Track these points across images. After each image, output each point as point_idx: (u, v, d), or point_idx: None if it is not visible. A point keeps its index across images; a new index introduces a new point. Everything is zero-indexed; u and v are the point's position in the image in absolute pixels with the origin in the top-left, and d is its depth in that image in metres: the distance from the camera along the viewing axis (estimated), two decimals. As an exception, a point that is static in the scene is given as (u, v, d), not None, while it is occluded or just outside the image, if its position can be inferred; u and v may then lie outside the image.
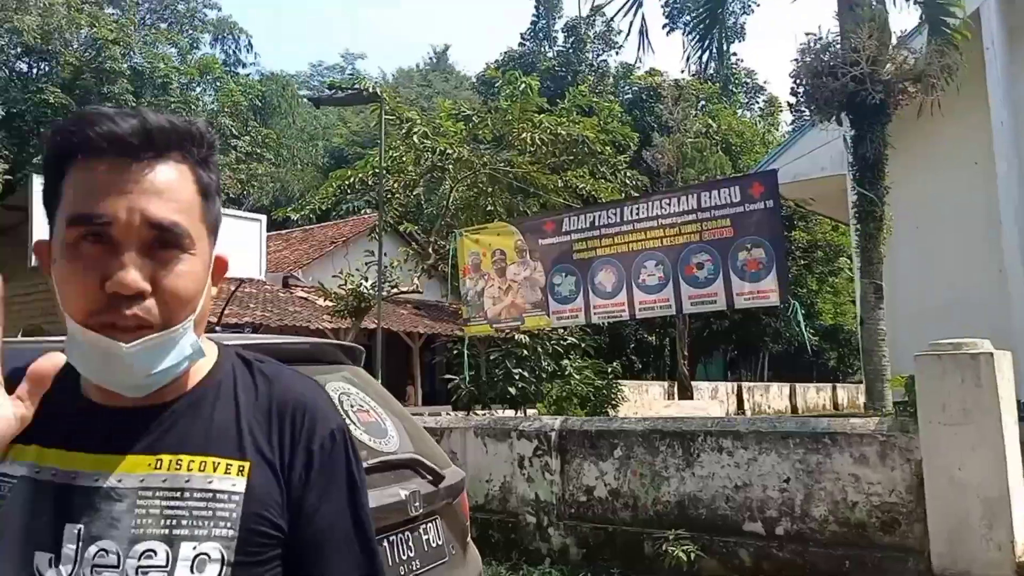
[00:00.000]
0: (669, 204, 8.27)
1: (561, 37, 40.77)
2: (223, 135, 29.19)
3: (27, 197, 15.67)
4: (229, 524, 1.04)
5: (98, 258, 1.00)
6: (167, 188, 1.03)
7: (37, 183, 15.43)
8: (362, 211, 22.52)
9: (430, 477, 3.16)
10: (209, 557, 1.02)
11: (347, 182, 17.77)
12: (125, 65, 29.34)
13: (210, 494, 1.05)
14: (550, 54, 39.99)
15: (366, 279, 13.64)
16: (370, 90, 14.55)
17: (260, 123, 35.20)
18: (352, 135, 40.37)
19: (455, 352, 12.71)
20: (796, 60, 8.25)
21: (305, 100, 38.11)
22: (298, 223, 21.13)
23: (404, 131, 16.35)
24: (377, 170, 15.28)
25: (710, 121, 29.00)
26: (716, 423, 6.36)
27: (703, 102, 33.13)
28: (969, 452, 4.80)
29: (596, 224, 8.56)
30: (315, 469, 1.11)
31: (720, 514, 5.92)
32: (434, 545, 3.10)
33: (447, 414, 10.04)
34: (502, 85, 18.05)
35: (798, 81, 8.31)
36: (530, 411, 12.54)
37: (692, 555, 5.74)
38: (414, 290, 15.92)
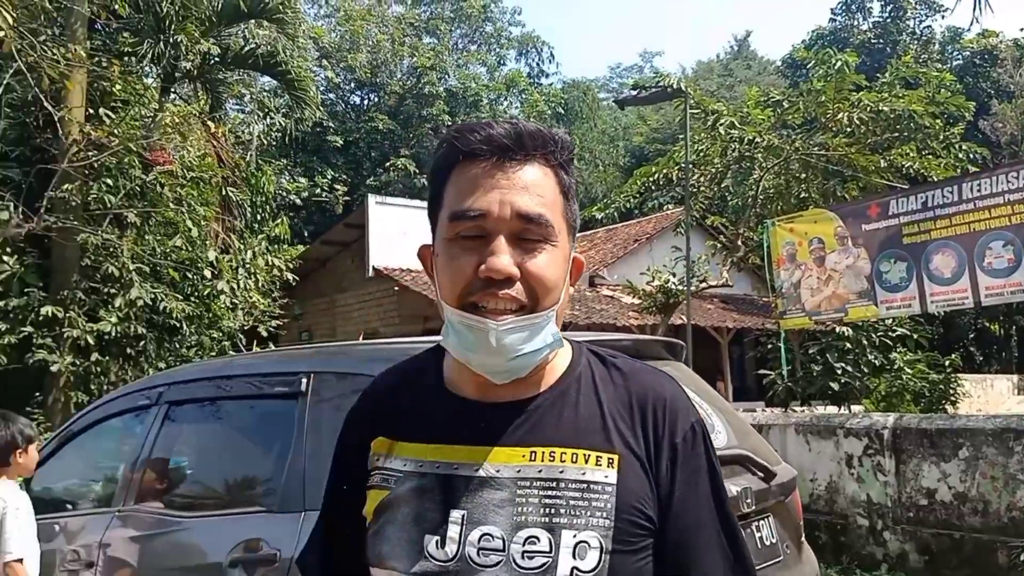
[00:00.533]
0: (1017, 177, 7.53)
1: (877, 7, 37.69)
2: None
3: (363, 215, 17.72)
4: (605, 514, 1.09)
5: (473, 247, 1.11)
6: (534, 184, 1.13)
7: (372, 203, 17.49)
8: (665, 207, 22.65)
9: (761, 474, 3.11)
10: (589, 545, 1.07)
11: (651, 179, 17.98)
12: (441, 88, 32.13)
13: (584, 485, 1.10)
14: (864, 27, 37.15)
15: (673, 275, 13.76)
16: (673, 86, 14.62)
17: (562, 128, 36.61)
18: (652, 133, 40.62)
19: (768, 347, 12.34)
20: None
21: (605, 103, 39.07)
22: (602, 223, 21.78)
23: (709, 123, 16.19)
24: (681, 164, 15.30)
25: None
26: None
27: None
28: None
29: (929, 204, 7.95)
30: (679, 462, 1.15)
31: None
32: (767, 543, 3.06)
33: (762, 411, 9.85)
34: (814, 65, 17.15)
35: None
36: (855, 408, 11.83)
37: (1058, 567, 5.16)
38: (723, 284, 15.72)
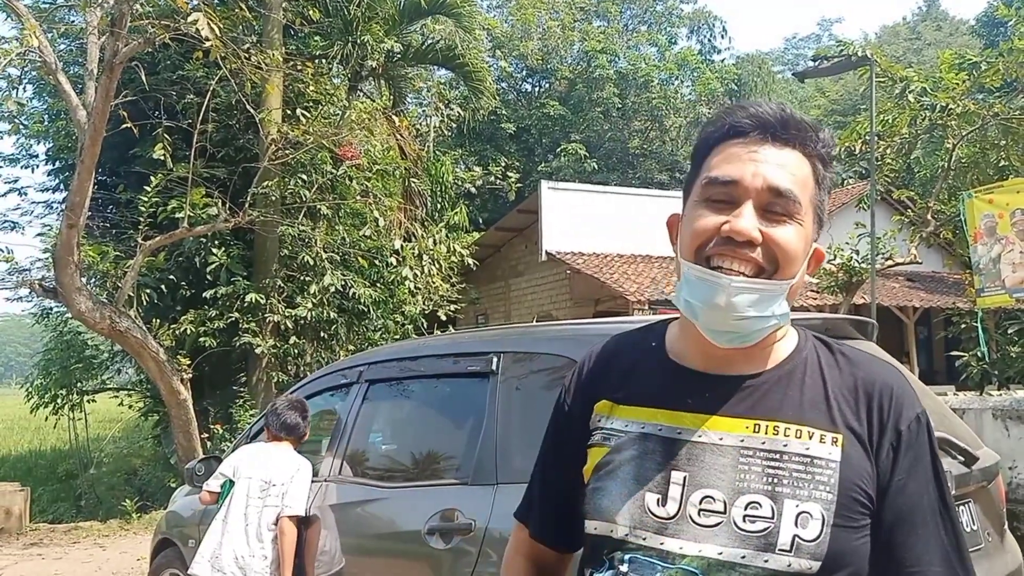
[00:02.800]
0: None
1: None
2: (700, 125, 30.05)
3: (536, 201, 17.93)
4: (828, 488, 1.11)
5: (720, 209, 1.15)
6: (788, 163, 1.17)
7: (545, 188, 17.68)
8: (847, 183, 21.49)
9: (961, 458, 2.99)
10: (811, 516, 1.09)
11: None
12: (612, 71, 31.88)
13: (807, 459, 1.12)
14: (1073, -24, 33.44)
15: (856, 252, 13.06)
16: (857, 54, 13.81)
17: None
18: (831, 105, 38.55)
19: (963, 327, 11.48)
20: None
21: (781, 76, 37.41)
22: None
23: (897, 91, 15.17)
24: (865, 137, 14.46)
25: None
26: None
27: None
28: None
29: None
30: (902, 449, 1.16)
31: None
32: (968, 530, 2.93)
33: (953, 394, 9.22)
34: (1016, 23, 15.66)
35: None
36: (1062, 392, 10.82)
37: None
38: (911, 261, 14.76)
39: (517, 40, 32.53)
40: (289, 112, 11.04)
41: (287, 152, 10.51)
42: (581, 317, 11.19)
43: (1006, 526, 3.30)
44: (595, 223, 17.33)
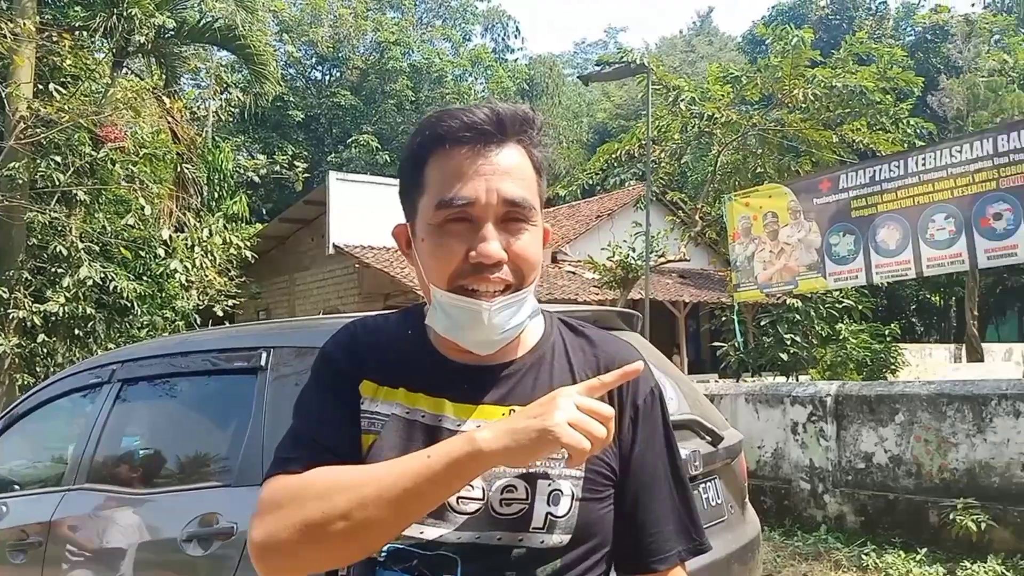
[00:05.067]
0: (960, 151, 7.77)
1: (836, -19, 38.06)
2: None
3: (324, 192, 17.55)
4: (577, 466, 1.15)
5: (463, 234, 1.15)
6: (515, 168, 1.17)
7: (333, 180, 17.34)
8: (627, 184, 22.88)
9: (709, 438, 3.26)
10: (562, 492, 1.16)
11: (613, 155, 18.13)
12: (405, 63, 31.84)
13: None
14: (823, 2, 37.50)
15: (633, 250, 13.94)
16: (636, 62, 14.71)
17: (528, 105, 36.52)
18: (616, 109, 40.71)
19: (723, 319, 12.61)
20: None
21: (570, 79, 39.03)
22: (565, 200, 21.86)
23: (671, 99, 16.32)
24: (643, 141, 15.43)
25: (1005, 57, 25.71)
26: (1012, 385, 5.91)
27: (997, 36, 29.42)
28: None
29: (876, 179, 8.18)
30: (640, 421, 1.24)
31: (1016, 482, 5.53)
32: (713, 504, 3.20)
33: (715, 381, 10.10)
34: (772, 42, 17.36)
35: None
36: (802, 377, 12.17)
37: (983, 525, 5.42)
38: (681, 258, 15.95)
39: (307, 25, 31.65)
40: (42, 87, 10.08)
41: (38, 131, 9.60)
42: (370, 312, 11.07)
43: (747, 499, 3.62)
44: (385, 216, 17.09)
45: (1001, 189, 7.40)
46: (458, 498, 1.14)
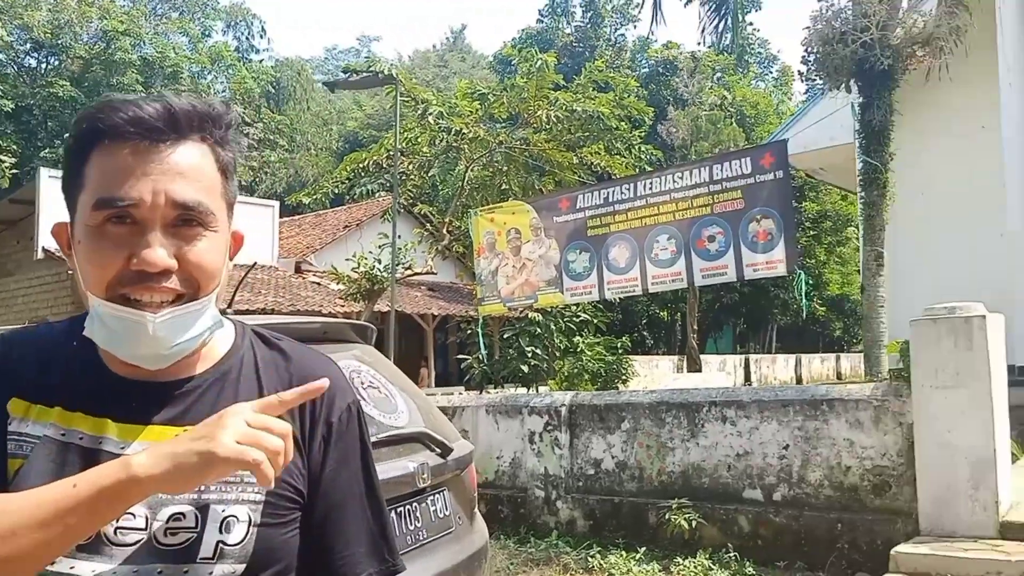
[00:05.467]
0: (681, 178, 8.43)
1: (579, 12, 40.63)
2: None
3: (34, 191, 15.87)
4: (256, 489, 1.09)
5: (124, 238, 1.04)
6: (190, 168, 1.07)
7: (45, 177, 15.70)
8: (376, 194, 22.85)
9: (438, 450, 3.28)
10: (237, 519, 1.08)
11: (361, 165, 17.99)
12: (135, 56, 29.62)
13: None
14: (568, 30, 39.88)
15: (379, 261, 13.87)
16: (385, 72, 14.71)
17: (274, 110, 35.47)
18: (367, 119, 40.57)
19: (468, 332, 12.93)
20: (808, 28, 8.33)
21: (320, 85, 38.30)
22: (311, 208, 21.38)
23: (419, 112, 16.50)
24: (392, 152, 15.45)
25: (725, 93, 28.91)
26: (721, 393, 6.54)
27: (719, 74, 32.98)
28: (959, 415, 4.95)
29: (610, 200, 8.70)
30: (333, 440, 1.18)
31: (722, 482, 6.12)
32: (441, 516, 3.22)
33: (460, 394, 10.28)
34: (519, 63, 18.15)
35: (809, 49, 8.41)
36: (542, 388, 12.77)
37: (694, 523, 5.94)
38: (428, 271, 16.13)
39: (20, 7, 28.48)
40: None
41: None
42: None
43: (476, 508, 3.69)
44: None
45: (715, 214, 8.15)
46: (116, 528, 1.04)
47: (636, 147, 18.59)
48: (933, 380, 5.08)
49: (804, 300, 7.48)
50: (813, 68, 8.44)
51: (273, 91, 35.07)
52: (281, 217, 21.76)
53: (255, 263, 16.88)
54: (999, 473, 4.87)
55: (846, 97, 8.40)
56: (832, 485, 5.60)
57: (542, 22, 41.62)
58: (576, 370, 12.67)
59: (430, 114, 16.11)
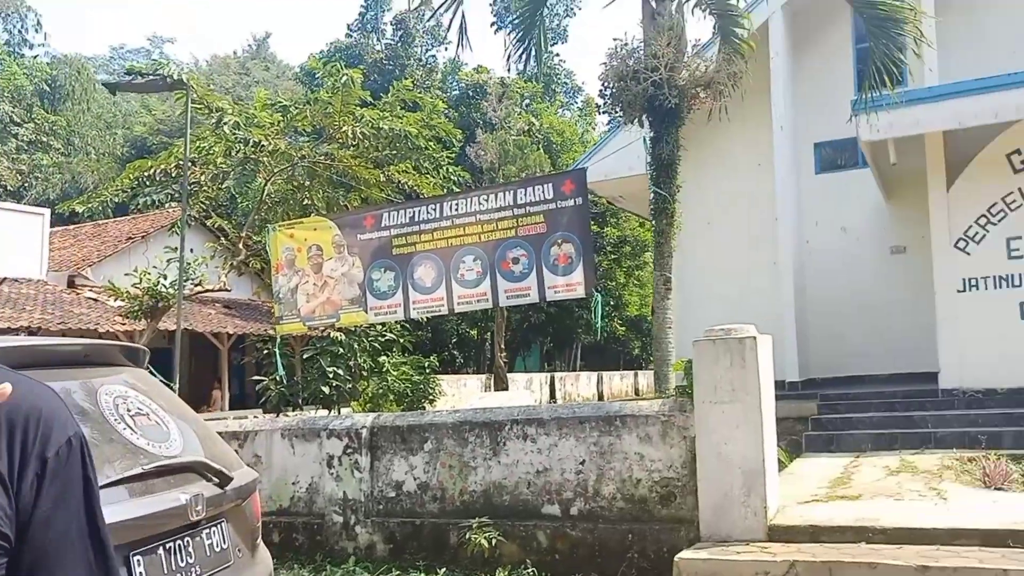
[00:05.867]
0: (487, 200, 8.66)
1: (390, 30, 40.67)
2: (0, 122, 26.96)
3: None
4: None
5: None
6: None
7: None
8: (166, 205, 21.66)
9: (216, 479, 3.12)
10: None
11: (147, 173, 16.99)
12: None
13: None
14: (378, 47, 39.77)
15: (165, 277, 13.09)
16: (174, 76, 14.00)
17: (49, 109, 32.77)
18: (157, 124, 38.33)
19: (265, 352, 12.49)
20: (604, 64, 8.81)
21: (100, 85, 35.85)
22: (88, 217, 19.89)
23: (215, 121, 15.84)
24: (181, 161, 14.71)
25: (532, 119, 29.94)
26: (522, 412, 6.74)
27: (527, 100, 34.11)
28: (734, 428, 5.42)
29: (416, 219, 8.78)
30: (47, 477, 1.11)
31: (522, 499, 6.31)
32: (218, 549, 3.08)
33: (255, 417, 9.93)
34: (324, 76, 17.91)
35: (606, 84, 8.89)
36: (344, 410, 12.57)
37: (493, 541, 6.08)
38: (221, 288, 15.45)
39: None
40: None
41: None
42: None
43: (259, 539, 3.56)
44: None
45: (519, 237, 8.46)
46: None
47: (445, 167, 18.84)
48: (712, 396, 5.53)
49: (598, 321, 7.89)
50: (609, 102, 8.94)
51: (48, 89, 32.43)
52: (54, 226, 20.12)
53: (15, 277, 15.51)
54: (768, 480, 5.38)
55: (640, 130, 8.97)
56: (624, 497, 5.93)
57: (351, 36, 41.31)
58: (381, 391, 12.59)
59: (225, 123, 15.51)
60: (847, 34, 12.87)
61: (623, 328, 34.29)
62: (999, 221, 9.90)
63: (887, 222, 13.05)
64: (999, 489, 6.34)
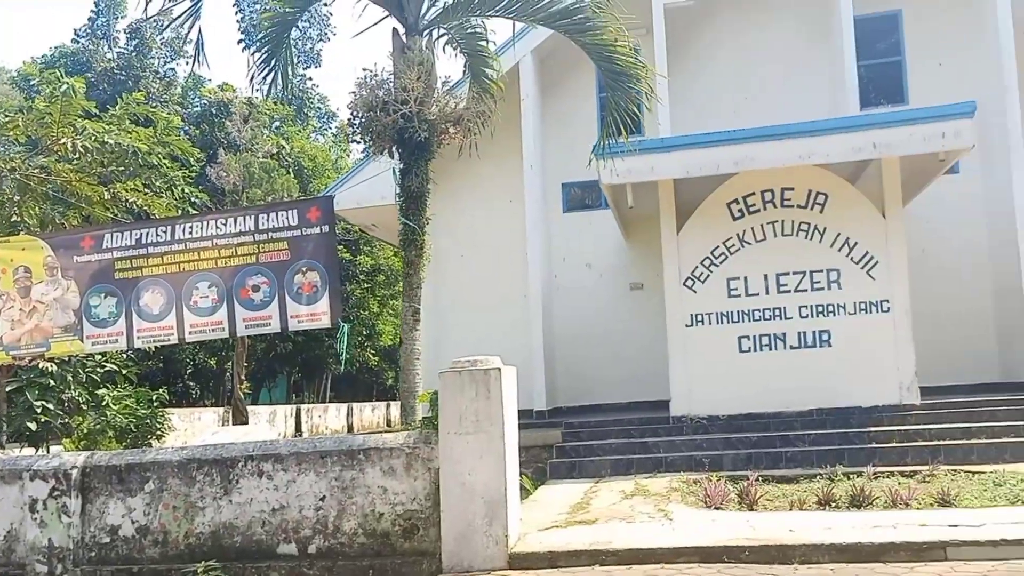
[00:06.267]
0: (226, 224, 8.39)
1: (123, 38, 37.94)
2: None
3: None
4: None
5: None
6: None
7: None
8: None
9: None
10: None
11: None
12: None
13: None
14: (110, 55, 36.95)
15: None
16: None
17: None
18: None
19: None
20: (354, 93, 8.77)
21: None
22: None
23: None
24: None
25: (282, 142, 29.19)
26: (259, 447, 6.45)
27: (277, 123, 33.20)
28: (478, 459, 5.52)
29: (143, 242, 8.37)
30: None
31: (256, 539, 6.01)
32: None
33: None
34: (40, 84, 16.36)
35: (354, 113, 8.85)
36: (55, 448, 11.40)
37: (221, 586, 5.74)
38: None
39: None
40: None
41: None
42: None
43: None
44: None
45: (260, 263, 8.22)
46: None
47: (181, 187, 17.80)
48: (457, 427, 5.60)
49: (344, 352, 7.78)
50: (358, 131, 8.91)
51: None
52: None
53: None
54: (510, 509, 5.52)
55: (391, 161, 9.02)
56: (366, 532, 5.83)
57: (79, 43, 38.11)
58: (99, 426, 11.52)
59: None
60: (592, 82, 13.78)
61: (376, 358, 34.05)
62: (721, 263, 10.96)
63: (627, 260, 14.04)
64: (718, 508, 6.93)
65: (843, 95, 12.94)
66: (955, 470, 8.27)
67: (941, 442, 9.26)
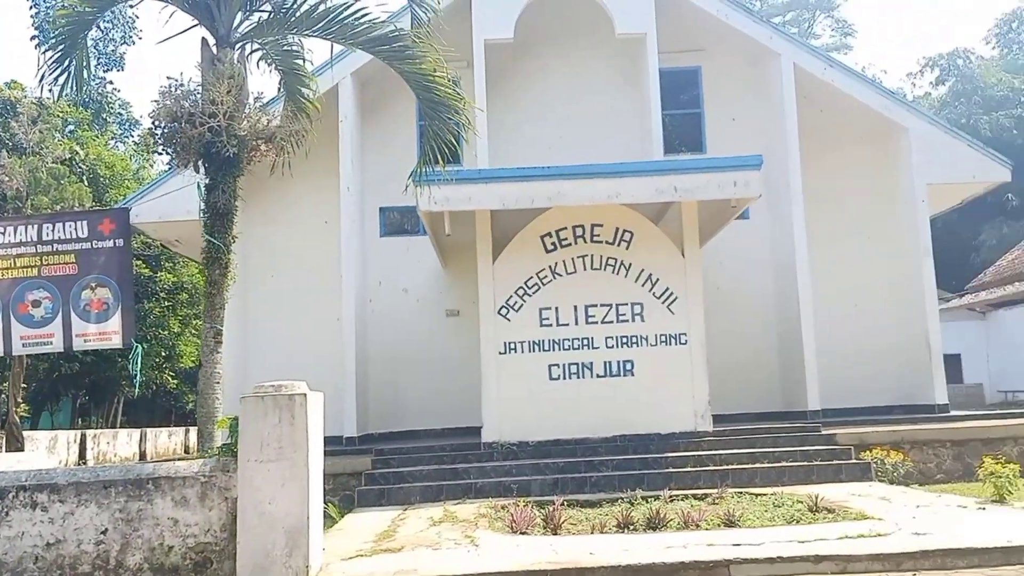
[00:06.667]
0: (4, 233, 7.87)
1: None
2: None
3: None
4: None
5: None
6: None
7: None
8: None
9: None
10: None
11: None
12: None
13: None
14: None
15: None
16: None
17: None
18: None
19: None
20: (157, 102, 8.41)
21: None
22: None
23: None
24: None
25: (76, 148, 27.32)
26: (32, 476, 5.98)
27: (71, 127, 31.04)
28: (280, 487, 5.39)
29: None
30: None
31: (27, 578, 5.56)
32: None
33: None
34: None
35: (157, 122, 8.49)
36: None
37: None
38: None
39: None
40: None
41: None
42: None
43: None
44: None
45: (42, 277, 7.73)
46: None
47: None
48: (258, 454, 5.45)
49: (137, 374, 7.42)
50: (160, 142, 8.54)
51: None
52: None
53: None
54: (312, 538, 5.42)
55: (196, 175, 8.69)
56: (152, 568, 5.54)
57: None
58: None
59: None
60: (413, 108, 13.88)
61: (176, 381, 32.23)
62: (534, 293, 11.31)
63: (444, 286, 14.19)
64: (523, 533, 7.10)
65: (649, 141, 13.78)
66: (741, 492, 8.92)
67: (729, 466, 9.98)
